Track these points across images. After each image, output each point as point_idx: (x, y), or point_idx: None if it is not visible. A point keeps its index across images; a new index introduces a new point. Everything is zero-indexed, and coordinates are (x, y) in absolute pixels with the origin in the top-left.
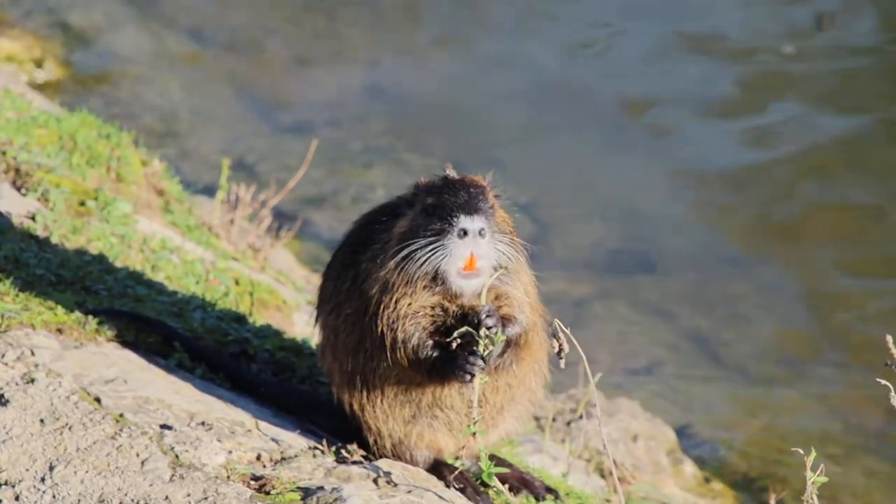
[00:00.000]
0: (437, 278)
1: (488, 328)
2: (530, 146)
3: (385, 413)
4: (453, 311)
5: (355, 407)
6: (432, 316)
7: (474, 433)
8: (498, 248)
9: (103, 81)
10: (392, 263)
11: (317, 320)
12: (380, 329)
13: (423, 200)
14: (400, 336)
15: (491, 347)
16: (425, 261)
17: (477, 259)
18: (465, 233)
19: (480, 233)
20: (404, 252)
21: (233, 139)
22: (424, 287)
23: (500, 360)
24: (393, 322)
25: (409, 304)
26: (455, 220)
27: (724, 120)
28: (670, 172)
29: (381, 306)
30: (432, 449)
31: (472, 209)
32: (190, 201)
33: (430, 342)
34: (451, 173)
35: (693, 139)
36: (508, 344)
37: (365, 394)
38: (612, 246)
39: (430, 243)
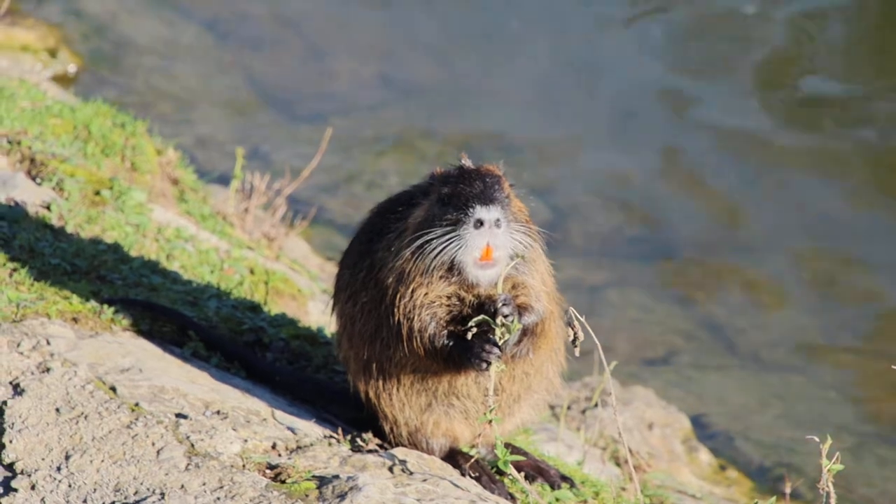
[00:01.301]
0: (453, 268)
1: (504, 316)
2: (546, 133)
3: (401, 401)
4: (470, 301)
5: (371, 395)
6: (448, 305)
7: (490, 421)
8: (514, 238)
9: (118, 71)
10: (408, 253)
11: (333, 309)
12: (396, 318)
13: (438, 190)
14: (416, 325)
15: (507, 336)
16: (441, 251)
17: (493, 249)
18: (481, 223)
19: (496, 223)
20: (420, 242)
21: (247, 128)
22: (441, 277)
23: (517, 349)
24: (409, 311)
25: (426, 293)
26: (471, 210)
27: (744, 103)
28: (687, 159)
29: (398, 296)
30: (448, 437)
31: (488, 199)
32: (204, 190)
33: (447, 331)
34: (467, 163)
35: (712, 123)
36: (525, 332)
37: (381, 382)
38: (629, 233)
39: (447, 233)
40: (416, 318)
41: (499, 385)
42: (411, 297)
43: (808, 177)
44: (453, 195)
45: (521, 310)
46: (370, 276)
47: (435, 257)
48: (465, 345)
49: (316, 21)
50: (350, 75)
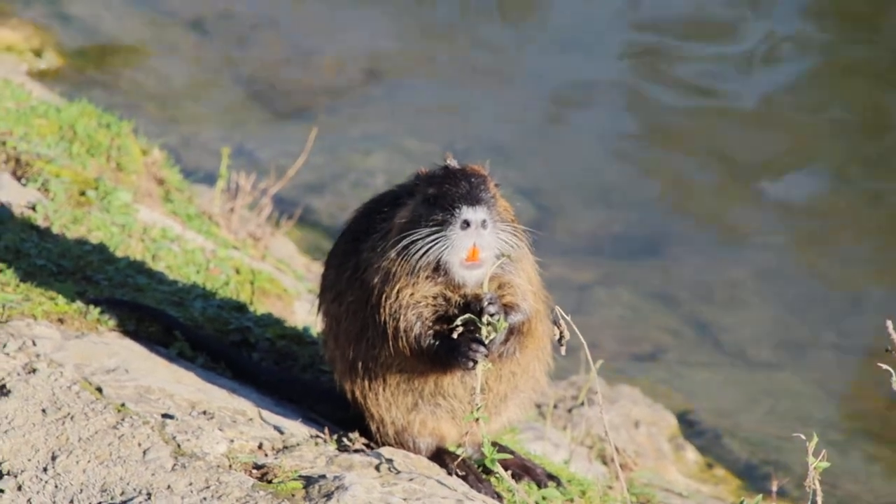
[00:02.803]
0: (439, 269)
1: (491, 315)
2: (531, 131)
3: (387, 401)
4: (456, 301)
5: (357, 395)
6: (434, 305)
7: (477, 419)
8: (500, 238)
9: (103, 70)
10: (393, 253)
11: (319, 308)
12: (382, 318)
13: (424, 191)
14: (402, 325)
15: (493, 334)
16: (427, 251)
17: (479, 250)
18: (467, 224)
19: (483, 224)
20: (406, 242)
21: (233, 127)
22: (426, 277)
23: (504, 348)
24: (395, 311)
25: (411, 293)
26: (457, 211)
27: (725, 102)
28: (672, 157)
29: (383, 296)
30: (435, 436)
31: (474, 200)
32: (190, 190)
33: (432, 331)
34: (452, 163)
35: (694, 123)
36: (511, 332)
37: (367, 382)
38: (615, 231)
39: (433, 234)
40: (401, 317)
41: (485, 384)
42: (397, 297)
43: (791, 172)
44: (439, 196)
45: (508, 309)
46: (355, 276)
47: (421, 258)
48: (451, 344)
49: (302, 19)
50: (337, 74)
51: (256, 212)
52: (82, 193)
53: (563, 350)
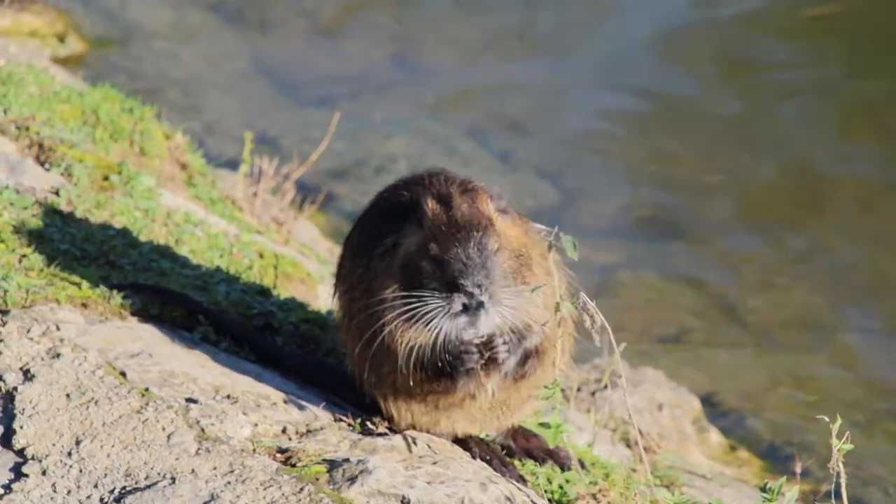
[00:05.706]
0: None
1: (501, 359)
2: (555, 112)
3: (398, 405)
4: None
5: (367, 387)
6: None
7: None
8: (502, 312)
9: (126, 55)
10: (398, 302)
11: (335, 292)
12: (388, 346)
13: (427, 239)
14: (405, 353)
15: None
16: (427, 322)
17: (479, 328)
18: (465, 308)
19: (482, 306)
20: (407, 307)
21: (255, 112)
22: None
23: (522, 370)
24: (398, 342)
25: (412, 337)
26: (457, 294)
27: (747, 84)
28: (696, 139)
29: (386, 327)
30: (452, 432)
31: (476, 278)
32: (213, 175)
33: (438, 353)
34: (458, 208)
35: (719, 102)
36: (528, 355)
37: (377, 382)
38: (639, 213)
39: (434, 308)
40: (403, 352)
41: (504, 403)
42: (399, 333)
43: (822, 154)
44: (442, 261)
45: (520, 335)
46: (365, 277)
47: (420, 322)
48: (455, 370)
49: (325, 3)
50: (359, 58)
51: (279, 196)
52: (105, 178)
53: (597, 341)
